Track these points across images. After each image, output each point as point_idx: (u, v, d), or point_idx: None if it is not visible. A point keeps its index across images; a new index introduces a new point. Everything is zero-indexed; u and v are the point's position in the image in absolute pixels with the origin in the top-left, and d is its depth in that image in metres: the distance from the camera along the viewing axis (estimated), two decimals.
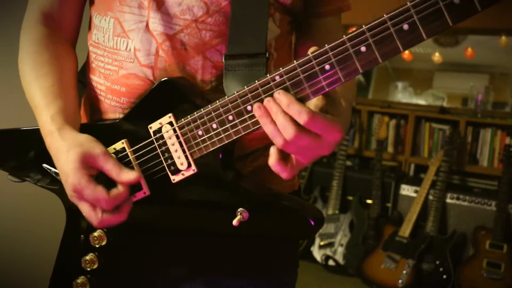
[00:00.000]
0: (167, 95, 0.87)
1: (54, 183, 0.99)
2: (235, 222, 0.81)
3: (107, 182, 0.85)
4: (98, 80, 0.97)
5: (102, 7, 0.95)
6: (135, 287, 0.99)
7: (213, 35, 0.89)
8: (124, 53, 0.92)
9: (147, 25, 0.90)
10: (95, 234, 0.95)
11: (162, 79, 0.87)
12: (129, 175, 0.84)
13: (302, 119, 0.70)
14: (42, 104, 0.91)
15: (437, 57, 4.39)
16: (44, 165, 0.97)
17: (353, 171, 3.95)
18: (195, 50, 0.89)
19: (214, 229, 0.88)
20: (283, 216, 0.84)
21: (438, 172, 3.57)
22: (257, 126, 0.78)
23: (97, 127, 0.95)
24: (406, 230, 3.45)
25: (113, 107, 0.95)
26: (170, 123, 0.85)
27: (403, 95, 4.48)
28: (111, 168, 0.84)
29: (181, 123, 0.84)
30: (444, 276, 3.25)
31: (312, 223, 0.82)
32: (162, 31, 0.89)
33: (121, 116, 0.94)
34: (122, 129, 0.91)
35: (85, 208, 0.85)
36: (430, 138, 4.00)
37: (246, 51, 0.84)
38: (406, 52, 4.45)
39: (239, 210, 0.82)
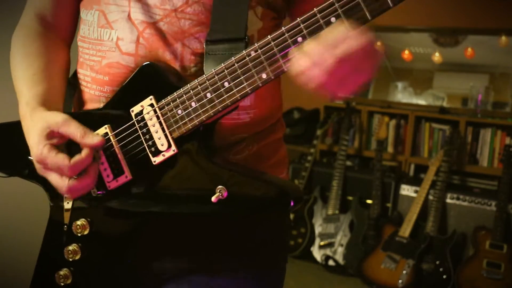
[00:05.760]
0: (149, 78, 0.88)
1: (40, 175, 1.00)
2: (213, 198, 0.82)
3: (76, 149, 0.85)
4: (84, 73, 0.99)
5: (88, 1, 0.97)
6: (118, 280, 0.98)
7: (192, 24, 0.90)
8: (107, 43, 0.93)
9: (129, 15, 0.91)
10: (78, 222, 0.94)
11: (144, 63, 0.88)
12: (92, 139, 0.84)
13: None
14: (22, 91, 0.93)
15: (437, 57, 4.38)
16: (30, 157, 0.98)
17: (353, 171, 3.93)
18: (174, 38, 0.90)
19: (195, 209, 0.88)
20: (262, 194, 0.85)
21: (438, 172, 3.56)
22: (234, 102, 0.79)
23: (81, 115, 0.95)
24: (406, 230, 3.44)
25: (97, 97, 0.96)
26: (151, 105, 0.86)
27: (403, 95, 4.46)
28: (73, 131, 0.84)
29: (161, 103, 0.85)
30: (444, 276, 3.24)
31: (292, 203, 0.83)
32: (143, 19, 0.90)
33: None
34: (106, 116, 0.92)
35: (52, 178, 0.86)
36: (430, 138, 3.99)
37: (226, 36, 0.86)
38: (406, 52, 4.45)
39: (218, 187, 0.83)
